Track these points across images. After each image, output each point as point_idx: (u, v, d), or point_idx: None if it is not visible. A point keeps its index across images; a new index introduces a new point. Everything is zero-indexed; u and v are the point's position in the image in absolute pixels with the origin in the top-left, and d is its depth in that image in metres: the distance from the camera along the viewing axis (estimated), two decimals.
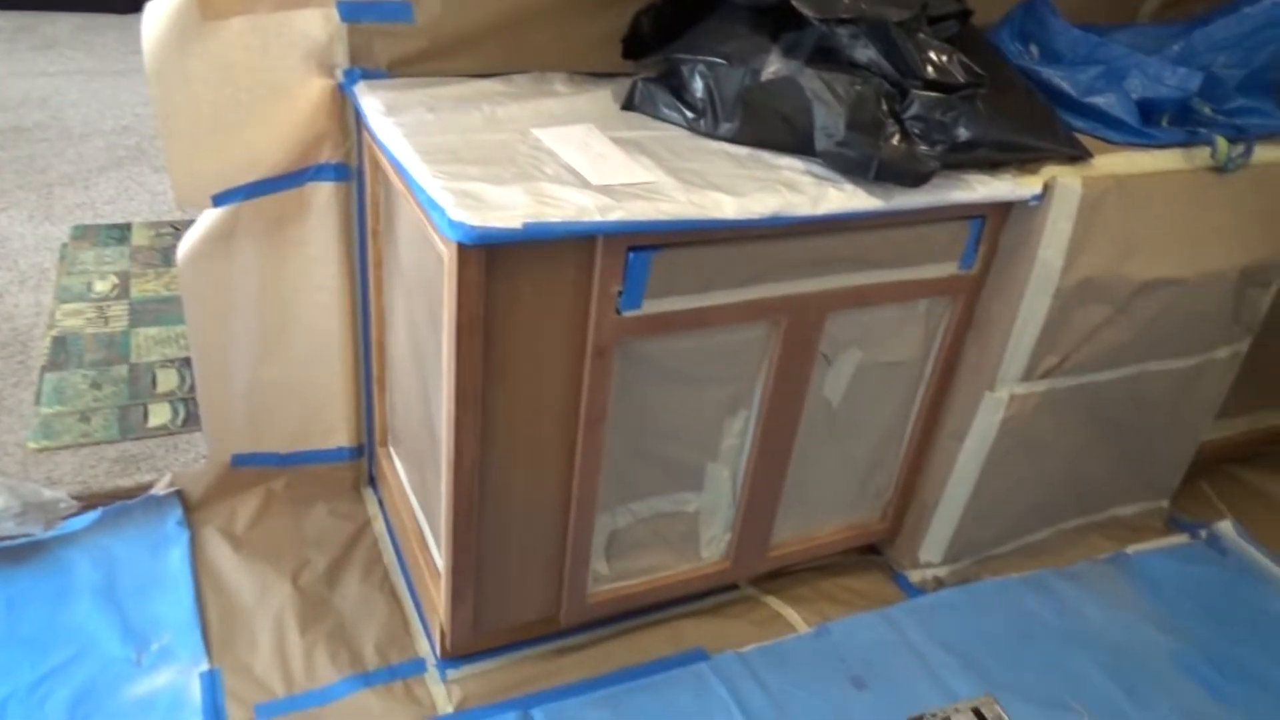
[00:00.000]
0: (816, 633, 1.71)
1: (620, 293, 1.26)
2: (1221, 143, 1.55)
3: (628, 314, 1.28)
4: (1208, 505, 2.14)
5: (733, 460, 1.56)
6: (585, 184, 1.22)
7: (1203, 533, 2.05)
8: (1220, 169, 1.57)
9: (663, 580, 1.63)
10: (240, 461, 1.81)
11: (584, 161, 1.29)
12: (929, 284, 1.52)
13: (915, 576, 1.84)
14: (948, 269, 1.52)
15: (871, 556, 1.90)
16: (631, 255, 1.23)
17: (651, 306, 1.30)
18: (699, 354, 1.40)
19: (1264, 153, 1.63)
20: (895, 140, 1.31)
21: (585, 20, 1.57)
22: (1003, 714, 1.55)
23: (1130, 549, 1.97)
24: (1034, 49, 1.68)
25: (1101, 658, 1.72)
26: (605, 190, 1.21)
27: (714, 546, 1.65)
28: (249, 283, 1.62)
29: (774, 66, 1.34)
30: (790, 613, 1.75)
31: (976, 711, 1.56)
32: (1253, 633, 1.82)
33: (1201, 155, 1.57)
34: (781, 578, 1.81)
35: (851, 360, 1.56)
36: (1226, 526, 2.06)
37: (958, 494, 1.72)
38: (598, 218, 1.16)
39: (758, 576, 1.78)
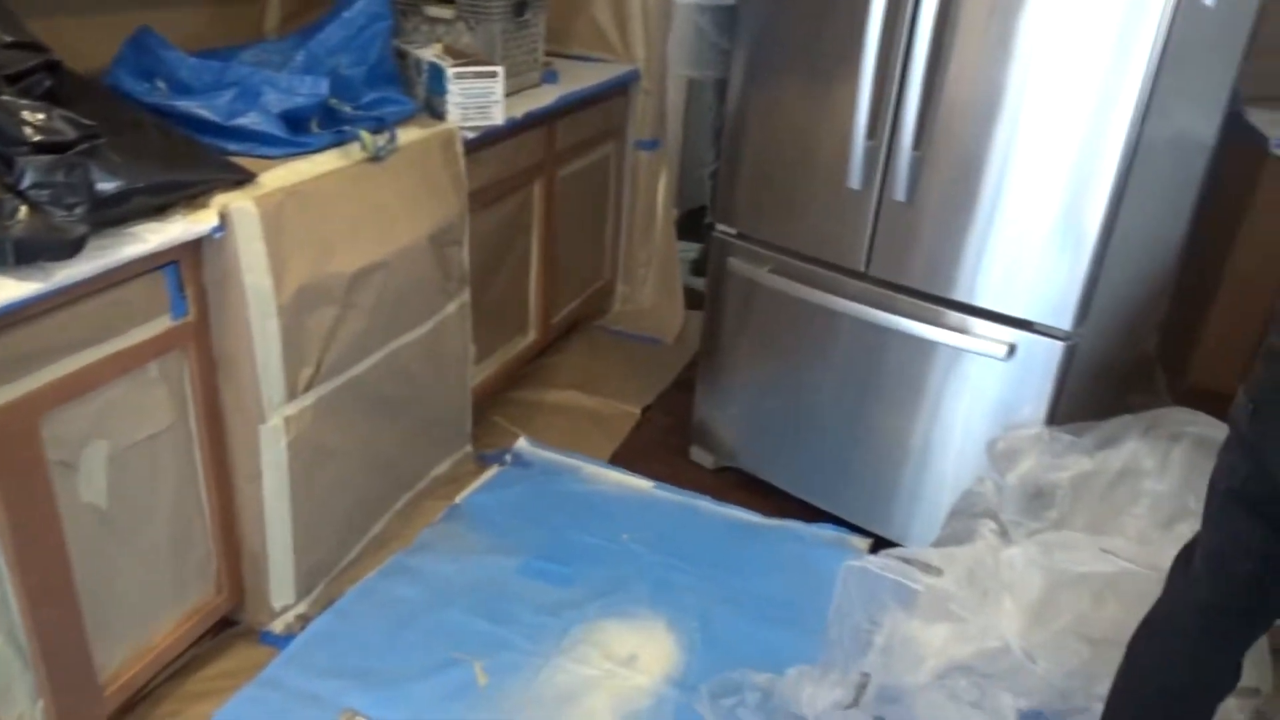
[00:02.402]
0: None
1: None
2: (365, 136, 1.72)
3: None
4: (505, 433, 2.45)
5: (2, 621, 1.30)
6: None
7: (507, 457, 2.35)
8: (375, 158, 1.74)
9: None
10: None
11: None
12: (146, 346, 1.42)
13: (279, 626, 1.77)
14: (160, 324, 1.44)
15: (229, 630, 1.78)
16: None
17: None
18: None
19: (407, 134, 1.85)
20: (24, 215, 1.17)
21: None
22: None
23: (458, 499, 2.17)
24: (161, 84, 1.64)
25: (468, 604, 1.87)
26: None
27: None
28: None
29: None
30: None
31: None
32: (570, 517, 2.15)
33: (354, 150, 1.72)
34: (138, 705, 1.60)
35: (99, 454, 1.40)
36: (522, 444, 2.39)
37: (280, 530, 1.69)
38: None
39: None
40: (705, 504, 2.24)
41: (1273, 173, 2.44)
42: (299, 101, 1.68)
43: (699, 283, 3.22)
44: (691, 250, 3.47)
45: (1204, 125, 1.99)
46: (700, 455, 2.42)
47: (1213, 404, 2.02)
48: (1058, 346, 1.78)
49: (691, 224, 3.56)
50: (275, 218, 1.51)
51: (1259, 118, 2.61)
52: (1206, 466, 1.56)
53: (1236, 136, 2.55)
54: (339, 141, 1.71)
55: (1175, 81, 1.64)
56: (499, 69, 2.05)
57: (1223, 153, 2.12)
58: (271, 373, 1.57)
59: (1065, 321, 1.76)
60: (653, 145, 2.96)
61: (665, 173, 3.00)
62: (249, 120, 1.63)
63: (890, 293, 1.93)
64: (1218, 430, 1.65)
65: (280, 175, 1.56)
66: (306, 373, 1.64)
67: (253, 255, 1.48)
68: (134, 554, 1.50)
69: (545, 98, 2.37)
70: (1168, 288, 2.30)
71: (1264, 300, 2.56)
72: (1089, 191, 1.68)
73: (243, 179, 1.50)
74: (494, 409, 2.51)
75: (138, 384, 1.44)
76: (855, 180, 1.89)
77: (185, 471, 1.57)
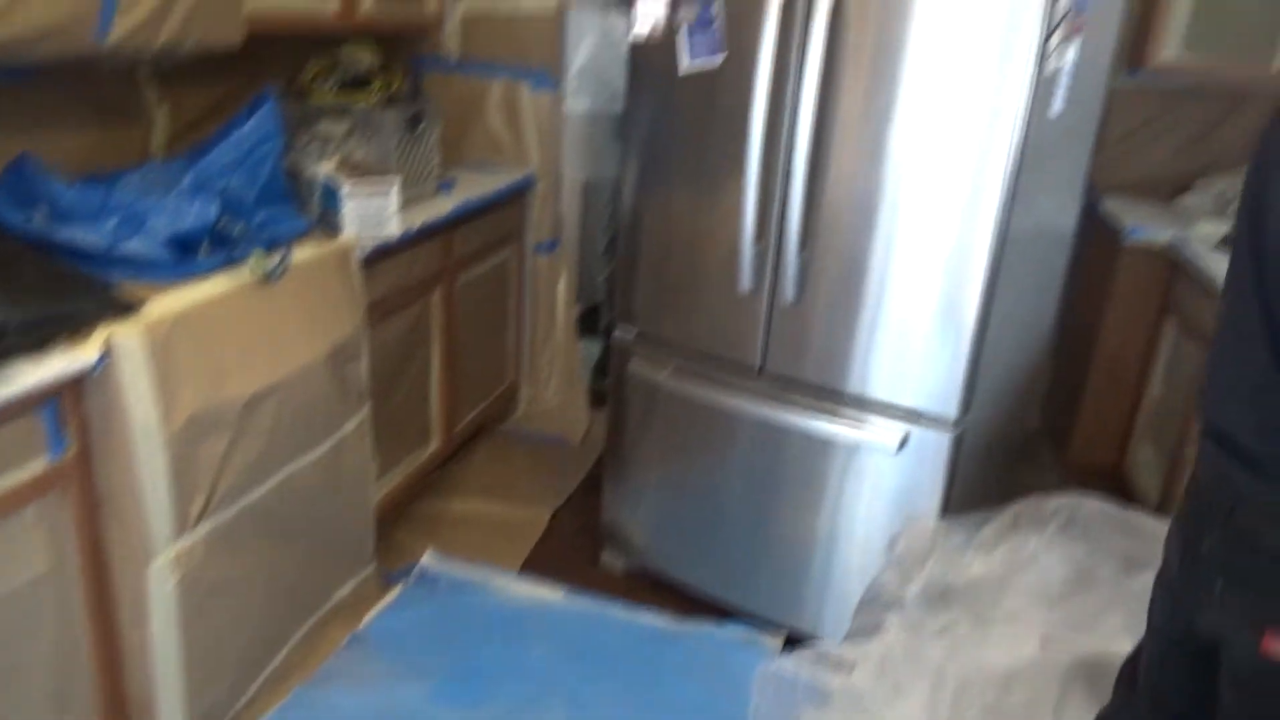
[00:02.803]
0: None
1: None
2: (257, 258, 1.69)
3: None
4: (410, 549, 2.38)
5: None
6: None
7: (413, 575, 2.28)
8: (268, 279, 1.71)
9: None
10: None
11: None
12: (22, 490, 1.34)
13: None
14: (37, 465, 1.37)
15: None
16: None
17: None
18: None
19: (301, 252, 1.83)
20: None
21: None
22: None
23: (362, 624, 2.08)
24: (42, 212, 1.60)
25: None
26: None
27: None
28: None
29: None
30: None
31: None
32: (480, 634, 2.09)
33: (246, 272, 1.69)
34: None
35: None
36: (428, 559, 2.33)
37: (170, 675, 1.59)
38: None
39: None
40: (617, 611, 2.21)
41: (1128, 260, 2.63)
42: (187, 225, 1.65)
43: (603, 381, 3.24)
44: (593, 348, 3.49)
45: (1064, 217, 2.13)
46: (611, 558, 2.40)
47: (1095, 477, 2.14)
48: (946, 437, 1.85)
49: (590, 321, 3.60)
50: (163, 346, 1.47)
51: (1112, 205, 2.83)
52: (1094, 551, 1.64)
53: (1096, 225, 2.75)
54: (230, 264, 1.68)
55: (1033, 179, 1.76)
56: (393, 183, 2.06)
57: (1085, 240, 2.28)
58: (159, 508, 1.50)
59: (952, 410, 1.83)
60: (551, 247, 3.00)
61: (564, 274, 3.04)
62: (135, 247, 1.59)
63: (786, 390, 1.99)
64: (1103, 510, 1.73)
65: (168, 302, 1.52)
66: (197, 505, 1.57)
67: (138, 387, 1.43)
68: (6, 713, 1.39)
69: (442, 207, 2.39)
70: (1045, 370, 2.43)
71: (1131, 377, 2.73)
72: (964, 283, 1.78)
73: (127, 308, 1.46)
74: (398, 524, 2.44)
75: (13, 529, 1.35)
76: (746, 283, 1.95)
77: (65, 618, 1.47)
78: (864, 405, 1.92)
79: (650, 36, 1.97)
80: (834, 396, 1.94)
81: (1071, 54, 1.67)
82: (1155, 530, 1.56)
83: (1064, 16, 1.61)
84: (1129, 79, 2.77)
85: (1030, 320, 2.13)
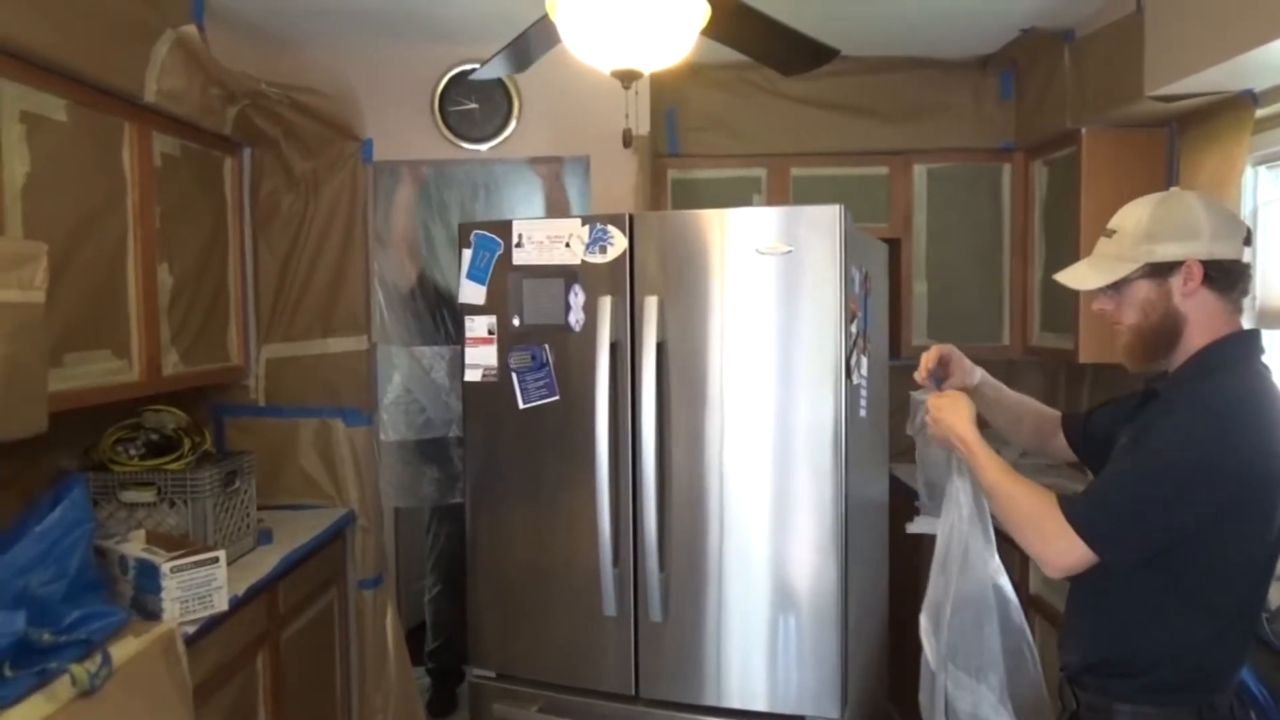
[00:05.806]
0: None
1: None
2: (75, 669, 1.49)
3: None
4: None
5: None
6: None
7: None
8: (89, 691, 1.51)
9: None
10: None
11: None
12: None
13: None
14: None
15: None
16: None
17: None
18: None
19: (121, 648, 1.64)
20: None
21: None
22: None
23: None
24: None
25: None
26: None
27: None
28: None
29: None
30: None
31: None
32: None
33: (65, 685, 1.49)
34: None
35: None
36: None
37: None
38: None
39: None
40: None
41: None
42: None
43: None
44: (422, 679, 3.27)
45: (879, 488, 2.33)
46: None
47: None
48: None
49: (414, 644, 3.40)
50: None
51: (898, 472, 3.11)
52: None
53: (900, 490, 2.98)
54: (42, 683, 1.47)
55: (856, 455, 1.92)
56: (220, 554, 1.93)
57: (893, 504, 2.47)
58: None
59: (834, 710, 1.85)
60: (376, 583, 2.85)
61: (390, 608, 2.88)
62: None
63: (668, 711, 1.93)
64: None
65: None
66: None
67: None
68: None
69: (265, 564, 2.24)
70: (886, 643, 2.52)
71: None
72: (824, 576, 1.84)
73: None
74: None
75: None
76: (610, 607, 1.94)
77: None
78: (747, 716, 1.89)
79: (483, 379, 2.05)
80: (718, 713, 1.90)
81: (865, 366, 1.91)
82: None
83: (856, 337, 1.85)
84: (891, 362, 3.17)
85: (872, 602, 2.25)
